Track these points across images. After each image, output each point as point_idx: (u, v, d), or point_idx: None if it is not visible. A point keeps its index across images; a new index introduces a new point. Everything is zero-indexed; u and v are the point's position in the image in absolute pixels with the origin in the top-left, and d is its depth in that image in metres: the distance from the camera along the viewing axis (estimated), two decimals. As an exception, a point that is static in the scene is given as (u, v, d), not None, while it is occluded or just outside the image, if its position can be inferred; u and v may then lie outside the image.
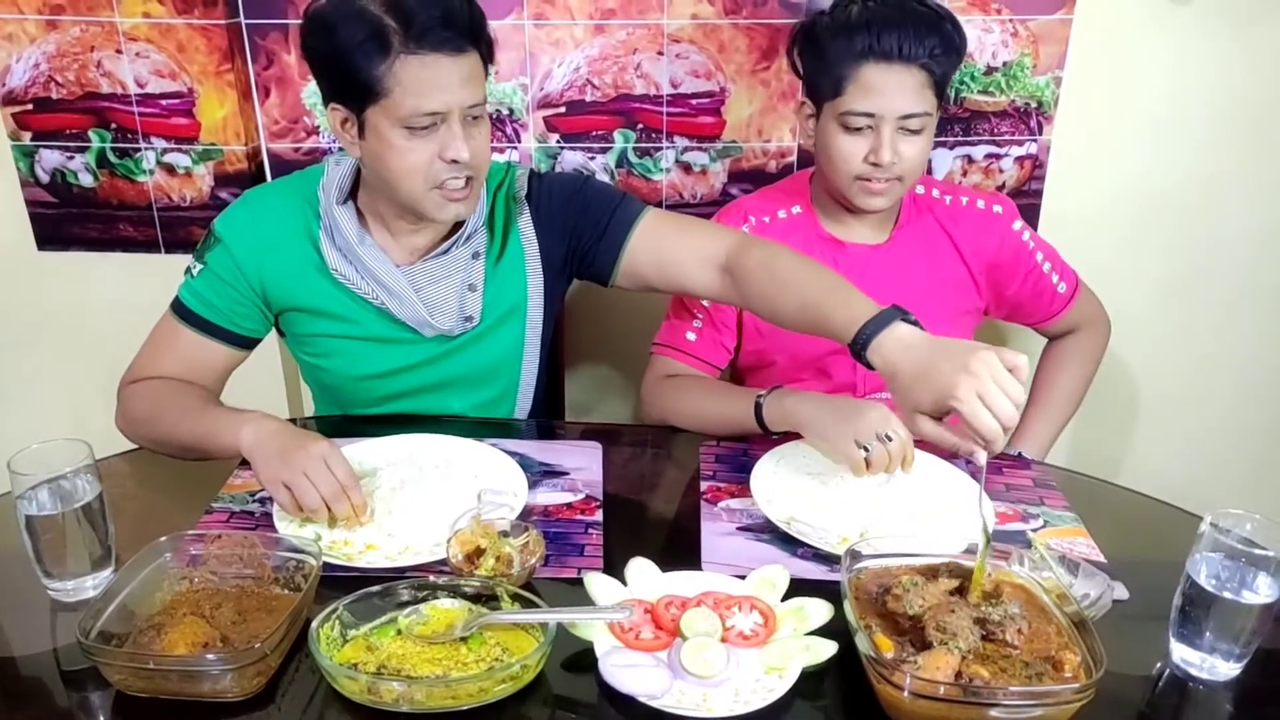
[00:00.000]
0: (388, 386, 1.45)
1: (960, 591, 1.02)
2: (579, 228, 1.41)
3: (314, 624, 0.95)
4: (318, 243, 1.35)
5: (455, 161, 1.24)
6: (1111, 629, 1.04)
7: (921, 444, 1.35)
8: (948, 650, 0.92)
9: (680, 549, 1.19)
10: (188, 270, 1.37)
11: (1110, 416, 2.03)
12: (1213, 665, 1.01)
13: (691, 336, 1.62)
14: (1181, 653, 1.03)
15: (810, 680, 0.97)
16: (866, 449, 1.22)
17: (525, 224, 1.42)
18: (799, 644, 1.00)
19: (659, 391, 1.60)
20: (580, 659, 0.99)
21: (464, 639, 0.98)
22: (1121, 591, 1.15)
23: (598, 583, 1.07)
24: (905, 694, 0.88)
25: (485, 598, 1.03)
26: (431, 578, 1.04)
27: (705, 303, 1.59)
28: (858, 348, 1.13)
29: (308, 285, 1.37)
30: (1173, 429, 2.06)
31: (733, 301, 1.37)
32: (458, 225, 1.38)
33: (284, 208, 1.37)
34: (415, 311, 1.37)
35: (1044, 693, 0.88)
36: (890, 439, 1.22)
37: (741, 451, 1.41)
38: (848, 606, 0.98)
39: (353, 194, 1.38)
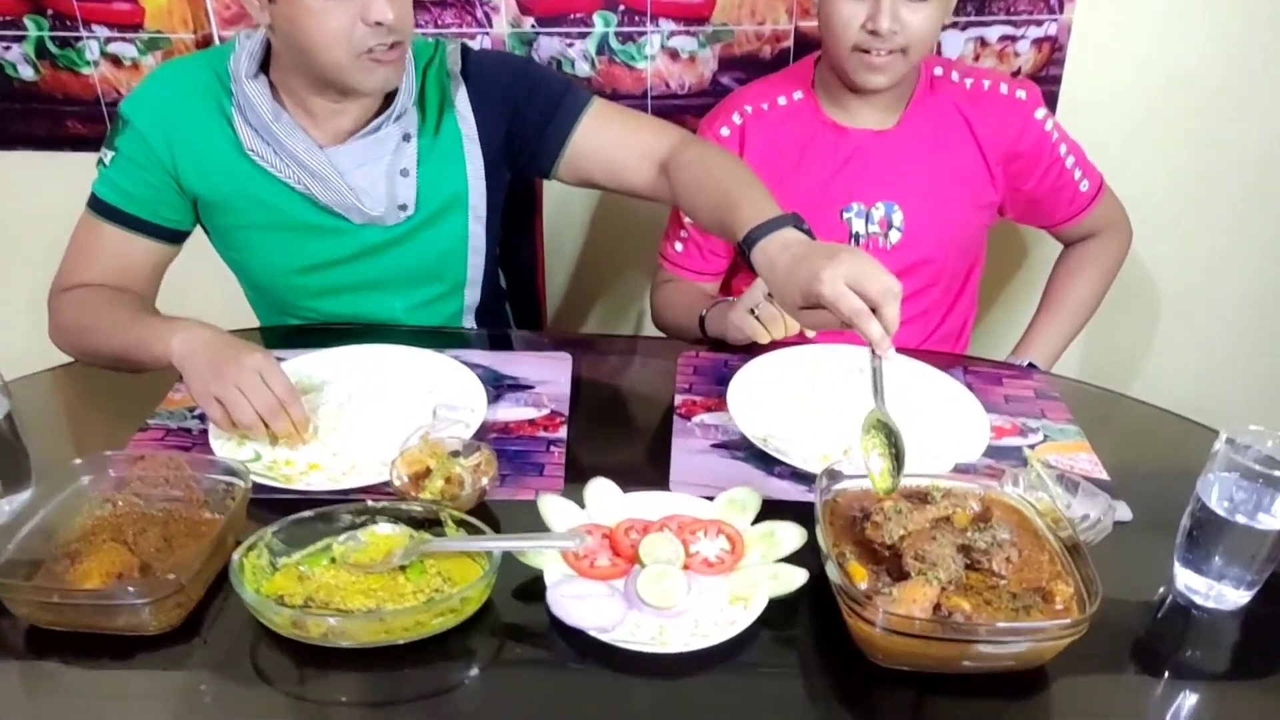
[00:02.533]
0: (320, 282, 1.34)
1: (949, 519, 0.93)
2: (523, 111, 1.29)
3: (237, 553, 0.87)
4: (232, 120, 1.23)
5: (379, 24, 1.12)
6: (1112, 552, 0.96)
7: (910, 354, 1.25)
8: (926, 581, 0.84)
9: (648, 469, 1.11)
10: (100, 162, 1.26)
11: (1122, 322, 1.91)
12: (1220, 593, 0.93)
13: (679, 247, 1.54)
14: (1186, 579, 0.95)
15: (778, 611, 0.89)
16: (754, 311, 1.24)
17: (462, 102, 1.30)
18: (767, 572, 0.92)
19: (655, 301, 1.54)
20: (531, 588, 0.92)
21: (403, 568, 0.91)
22: (1124, 512, 1.06)
23: (552, 506, 0.99)
24: (877, 629, 0.80)
25: (430, 523, 0.95)
26: (369, 501, 0.96)
27: None
28: (745, 249, 1.07)
29: (224, 168, 1.24)
30: (1186, 336, 1.94)
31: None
32: (386, 102, 1.26)
33: (194, 83, 1.24)
34: (341, 196, 1.25)
35: (1028, 629, 0.80)
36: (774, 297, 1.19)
37: (722, 362, 1.32)
38: (820, 531, 0.89)
39: (266, 70, 1.25)
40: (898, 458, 0.93)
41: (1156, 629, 0.94)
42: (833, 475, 0.98)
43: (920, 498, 0.96)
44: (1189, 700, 0.87)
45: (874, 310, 0.92)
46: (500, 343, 1.38)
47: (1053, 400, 1.27)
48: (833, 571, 0.85)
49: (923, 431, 1.14)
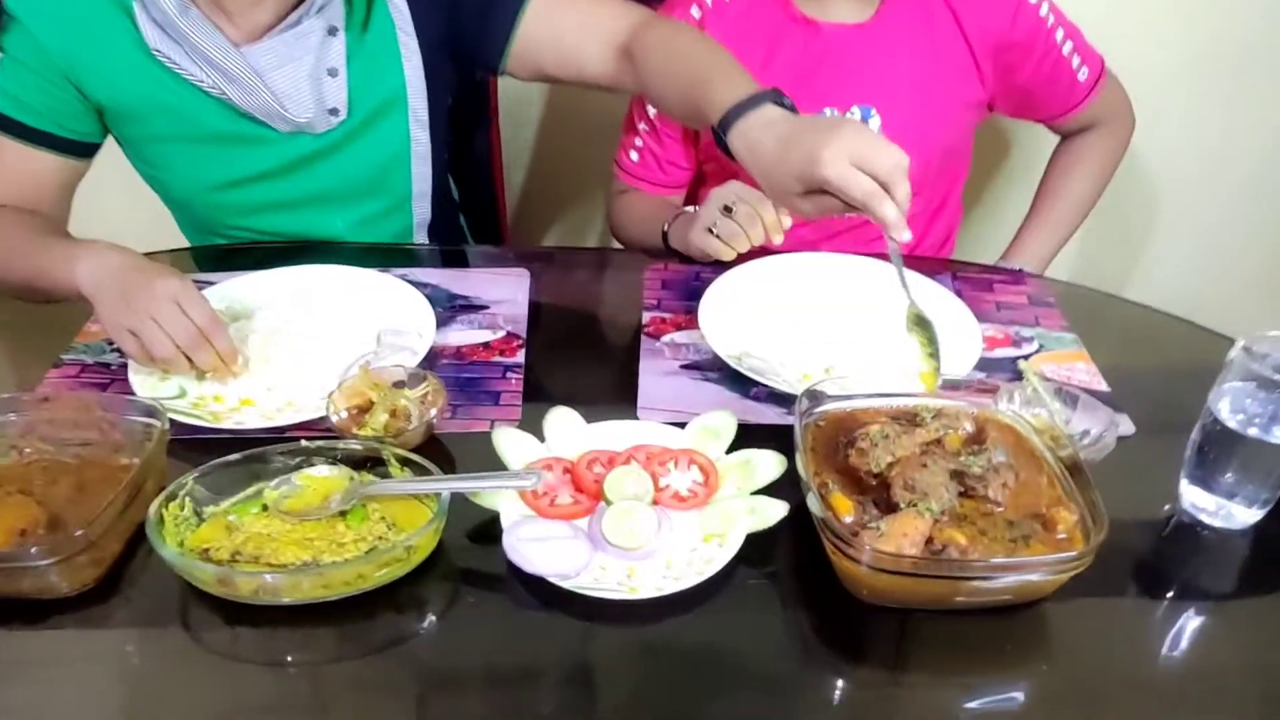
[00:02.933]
0: (248, 198, 1.22)
1: (940, 443, 0.86)
2: None
3: (154, 504, 0.78)
4: (134, 15, 1.08)
5: None
6: (1113, 468, 0.89)
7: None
8: (917, 513, 0.76)
9: (613, 395, 1.02)
10: None
11: (1114, 218, 1.81)
12: (1230, 512, 0.87)
13: (634, 157, 1.41)
14: (1194, 497, 0.88)
15: (756, 548, 0.82)
16: (712, 229, 1.14)
17: None
18: (743, 505, 0.84)
19: (611, 212, 1.43)
20: (488, 529, 0.83)
21: (343, 514, 0.83)
22: (1127, 426, 0.99)
23: (508, 440, 0.90)
24: (863, 567, 0.73)
25: (373, 463, 0.86)
26: (304, 441, 0.86)
27: (651, 113, 1.36)
28: (720, 133, 0.96)
29: (128, 71, 1.10)
30: (1183, 232, 1.85)
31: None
32: None
33: None
34: (262, 100, 1.12)
35: (1030, 564, 0.73)
36: (731, 209, 1.12)
37: (693, 275, 1.22)
38: (800, 460, 0.82)
39: None
40: (937, 354, 0.86)
41: (1161, 549, 0.88)
42: (814, 397, 0.89)
43: (909, 419, 0.88)
44: (1194, 622, 0.81)
45: (884, 189, 0.83)
46: (452, 259, 1.27)
47: (1047, 306, 1.19)
48: (814, 504, 0.77)
49: (908, 346, 1.06)
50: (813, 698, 0.74)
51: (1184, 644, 0.79)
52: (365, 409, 0.91)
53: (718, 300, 1.12)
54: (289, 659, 0.76)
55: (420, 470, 0.84)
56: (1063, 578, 0.74)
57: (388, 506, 0.83)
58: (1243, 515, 0.86)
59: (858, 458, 0.82)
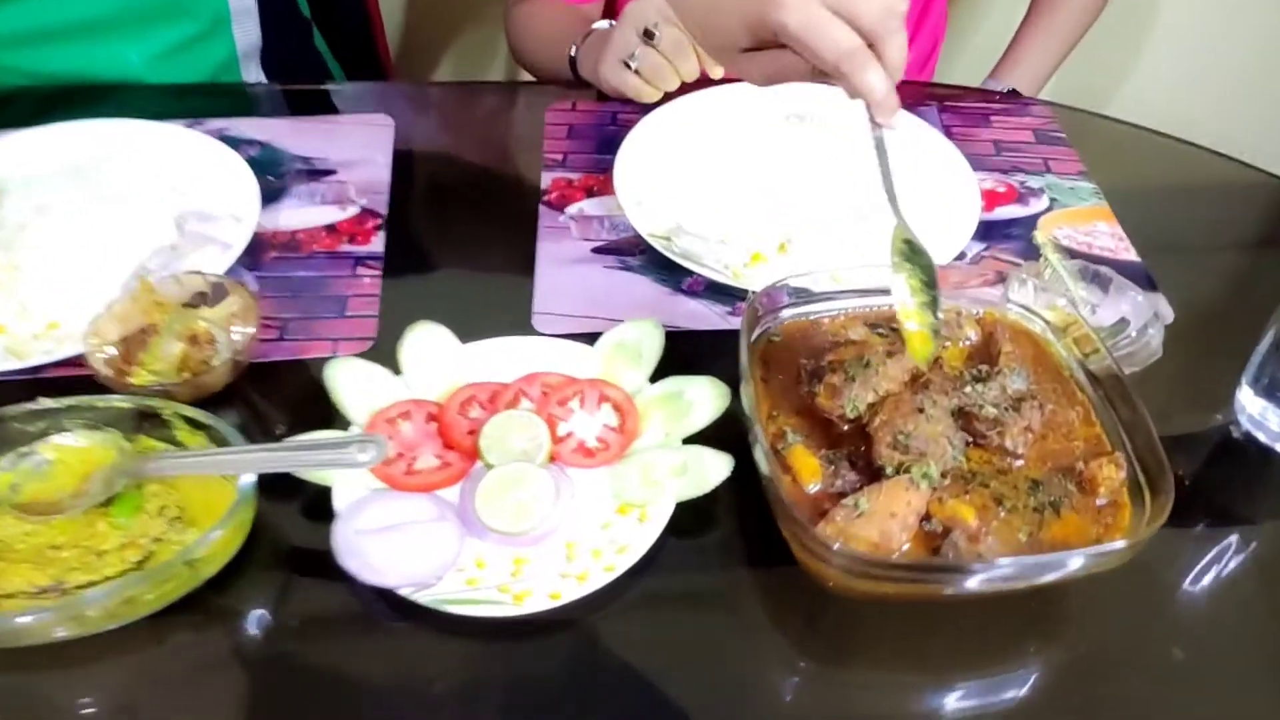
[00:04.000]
0: (2, 26, 0.91)
1: (937, 363, 0.63)
2: None
3: None
4: None
5: None
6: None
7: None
8: (910, 481, 0.55)
9: (501, 298, 0.77)
10: None
11: (1100, 27, 1.51)
12: (1307, 431, 0.67)
13: None
14: (1256, 408, 0.68)
15: (691, 518, 0.60)
16: (629, 63, 0.86)
17: None
18: (672, 461, 0.62)
19: (509, 25, 1.10)
20: (327, 504, 0.60)
21: (109, 502, 0.59)
22: (1165, 311, 0.77)
23: (348, 377, 0.65)
24: (832, 568, 0.52)
25: (156, 422, 0.62)
26: (46, 401, 0.61)
27: None
28: None
29: None
30: (1183, 38, 1.56)
31: None
32: None
33: None
34: None
35: (1065, 561, 0.51)
36: (653, 34, 0.84)
37: (607, 118, 0.94)
38: (747, 395, 0.59)
39: None
40: (934, 303, 0.59)
41: (1211, 476, 0.68)
42: (769, 300, 0.65)
43: (894, 332, 0.65)
44: (1256, 563, 0.63)
45: (870, 46, 0.56)
46: (290, 104, 0.97)
47: (1058, 143, 0.94)
48: (765, 466, 0.55)
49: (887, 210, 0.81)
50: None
51: (1239, 604, 0.61)
52: (140, 341, 0.66)
53: (638, 154, 0.85)
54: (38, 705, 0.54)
55: (217, 436, 0.59)
56: (1112, 564, 0.53)
57: (173, 489, 0.60)
58: (1323, 436, 0.67)
59: (826, 399, 0.59)
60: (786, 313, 0.67)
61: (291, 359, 0.70)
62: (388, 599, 0.56)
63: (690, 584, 0.59)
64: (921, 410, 0.57)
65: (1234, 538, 0.65)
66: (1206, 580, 0.63)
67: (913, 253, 0.58)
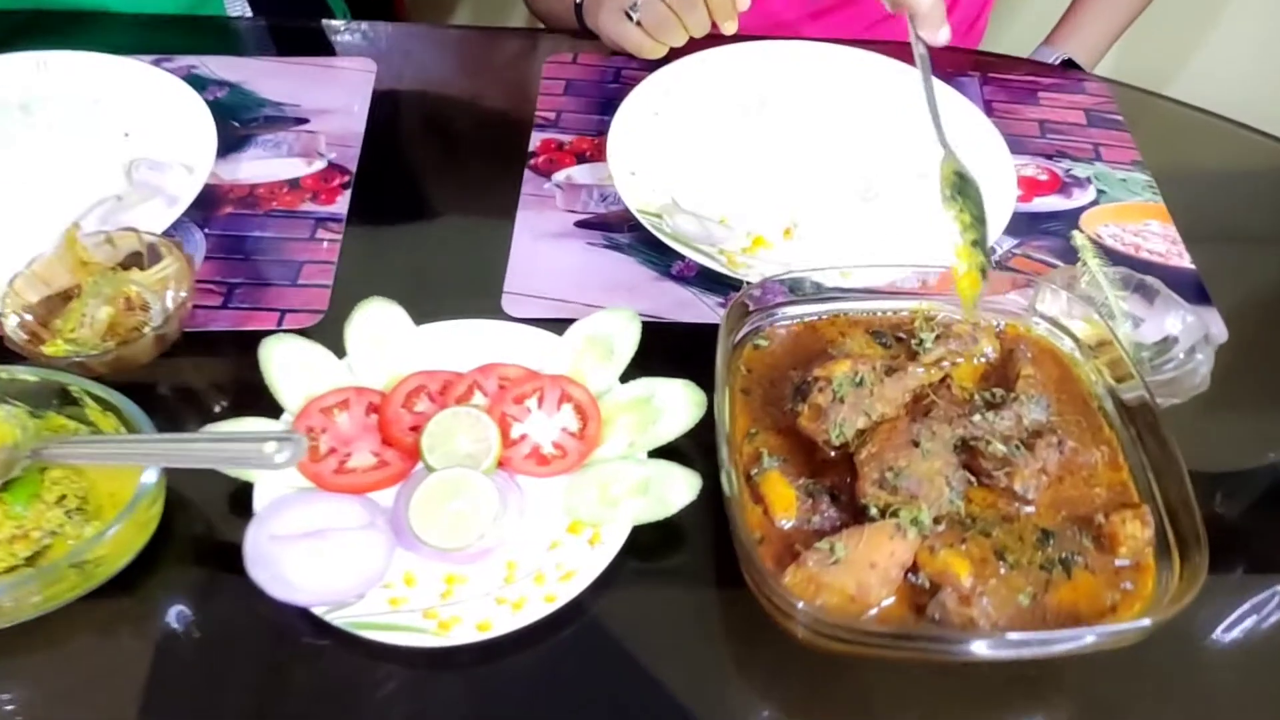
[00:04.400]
0: None
1: (945, 383, 0.55)
2: None
3: None
4: None
5: None
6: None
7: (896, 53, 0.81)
8: (896, 527, 0.47)
9: (470, 272, 0.70)
10: None
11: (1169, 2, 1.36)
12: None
13: None
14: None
15: (651, 542, 0.54)
16: (631, 14, 0.78)
17: None
18: (634, 475, 0.55)
19: None
20: (247, 500, 0.55)
21: (5, 487, 0.53)
22: (1219, 329, 0.68)
23: (285, 357, 0.59)
24: (799, 630, 0.45)
25: (65, 400, 0.56)
26: (-55, 370, 0.55)
27: None
28: None
29: None
30: (1259, 22, 1.41)
31: None
32: None
33: None
34: None
35: (1072, 639, 0.44)
36: None
37: (610, 74, 0.85)
38: (721, 405, 0.51)
39: None
40: (983, 241, 0.53)
41: (1254, 518, 0.60)
42: (762, 295, 0.58)
43: (900, 337, 0.57)
44: None
45: None
46: (271, 41, 0.89)
47: (1113, 127, 0.84)
48: (731, 494, 0.48)
49: (905, 200, 0.72)
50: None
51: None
52: (61, 307, 0.60)
53: (637, 118, 0.77)
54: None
55: (126, 421, 0.53)
56: (1126, 642, 0.46)
57: (78, 476, 0.54)
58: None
59: (810, 420, 0.52)
60: (782, 312, 0.59)
61: (233, 330, 0.64)
62: (306, 614, 0.50)
63: (642, 620, 0.52)
64: (917, 444, 0.49)
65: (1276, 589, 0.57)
66: (1242, 636, 0.55)
67: (963, 183, 0.51)
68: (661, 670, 0.50)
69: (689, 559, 0.54)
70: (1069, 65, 0.98)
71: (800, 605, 0.43)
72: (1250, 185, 0.83)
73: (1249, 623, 0.56)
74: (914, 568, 0.47)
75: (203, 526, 0.55)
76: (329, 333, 0.61)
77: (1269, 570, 0.58)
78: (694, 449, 0.56)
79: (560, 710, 0.49)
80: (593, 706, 0.49)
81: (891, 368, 0.54)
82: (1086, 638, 0.44)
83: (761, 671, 0.51)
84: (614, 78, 0.85)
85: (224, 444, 0.52)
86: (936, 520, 0.48)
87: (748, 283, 0.59)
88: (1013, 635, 0.44)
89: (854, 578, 0.46)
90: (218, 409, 0.60)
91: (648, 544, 0.54)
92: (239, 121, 0.78)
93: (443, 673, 0.50)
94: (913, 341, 0.56)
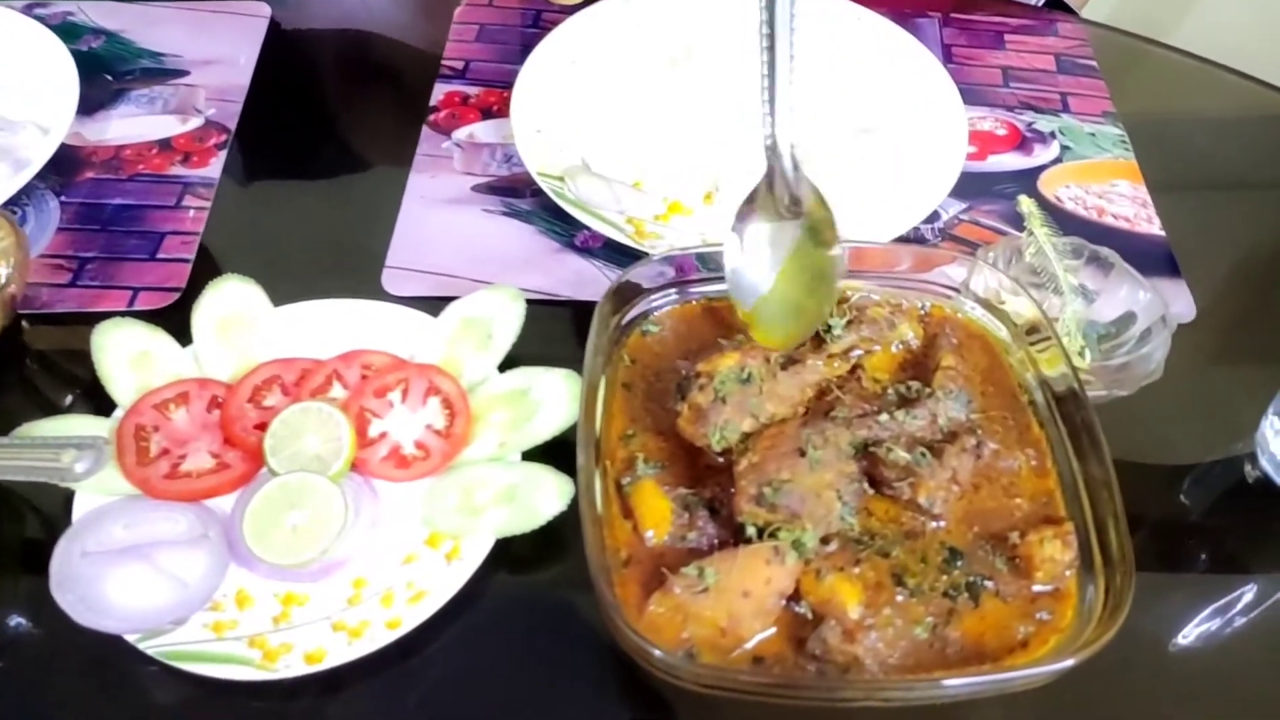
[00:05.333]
0: None
1: (855, 374, 0.48)
2: None
3: None
4: None
5: None
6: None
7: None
8: (774, 551, 0.41)
9: (351, 243, 0.63)
10: None
11: None
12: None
13: None
14: (1280, 449, 0.53)
15: (519, 555, 0.48)
16: None
17: None
18: (501, 480, 0.49)
19: None
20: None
21: None
22: (1185, 305, 0.61)
23: (121, 344, 0.53)
24: (656, 668, 0.39)
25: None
26: None
27: None
28: None
29: None
30: None
31: None
32: None
33: None
34: None
35: (970, 686, 0.38)
36: None
37: (530, 18, 0.77)
38: (586, 406, 0.45)
39: None
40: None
41: (1222, 524, 0.54)
42: (651, 273, 0.51)
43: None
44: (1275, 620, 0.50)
45: None
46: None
47: (1085, 74, 0.75)
48: (586, 507, 0.41)
49: (841, 162, 0.65)
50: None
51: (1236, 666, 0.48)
52: None
53: (549, 68, 0.69)
54: None
55: (-73, 420, 0.48)
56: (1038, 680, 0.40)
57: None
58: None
59: (690, 422, 0.45)
60: (678, 292, 0.52)
61: (79, 311, 0.58)
62: (122, 641, 0.45)
63: (500, 650, 0.47)
64: (804, 453, 0.42)
65: (1239, 591, 0.51)
66: (1201, 639, 0.49)
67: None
68: (520, 709, 0.45)
69: (561, 576, 0.48)
70: (1056, 5, 0.89)
71: (657, 654, 0.37)
72: (1243, 142, 0.74)
73: (1213, 626, 0.50)
74: (797, 595, 0.41)
75: (24, 536, 0.50)
76: (183, 316, 0.55)
77: (1233, 571, 0.52)
78: (573, 450, 0.50)
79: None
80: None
81: (790, 360, 0.47)
82: (985, 684, 0.37)
83: (640, 709, 0.46)
84: (533, 21, 0.77)
85: (18, 451, 0.46)
86: (826, 540, 0.42)
87: (654, 254, 0.52)
88: (894, 685, 0.38)
89: (725, 608, 0.40)
90: (50, 403, 0.54)
91: (516, 559, 0.48)
92: (112, 75, 0.71)
93: (271, 706, 0.44)
94: (820, 328, 0.49)
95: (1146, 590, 0.49)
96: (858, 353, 0.49)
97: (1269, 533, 0.54)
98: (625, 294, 0.50)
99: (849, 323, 0.49)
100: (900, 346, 0.50)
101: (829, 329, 0.49)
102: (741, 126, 0.67)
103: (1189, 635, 0.50)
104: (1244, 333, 0.61)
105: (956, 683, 0.37)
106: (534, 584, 0.49)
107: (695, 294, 0.52)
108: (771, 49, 0.41)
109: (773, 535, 0.41)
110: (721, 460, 0.45)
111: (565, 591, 0.48)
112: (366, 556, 0.48)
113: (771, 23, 0.41)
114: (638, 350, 0.50)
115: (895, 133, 0.66)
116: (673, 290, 0.52)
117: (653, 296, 0.51)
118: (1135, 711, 0.46)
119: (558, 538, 0.48)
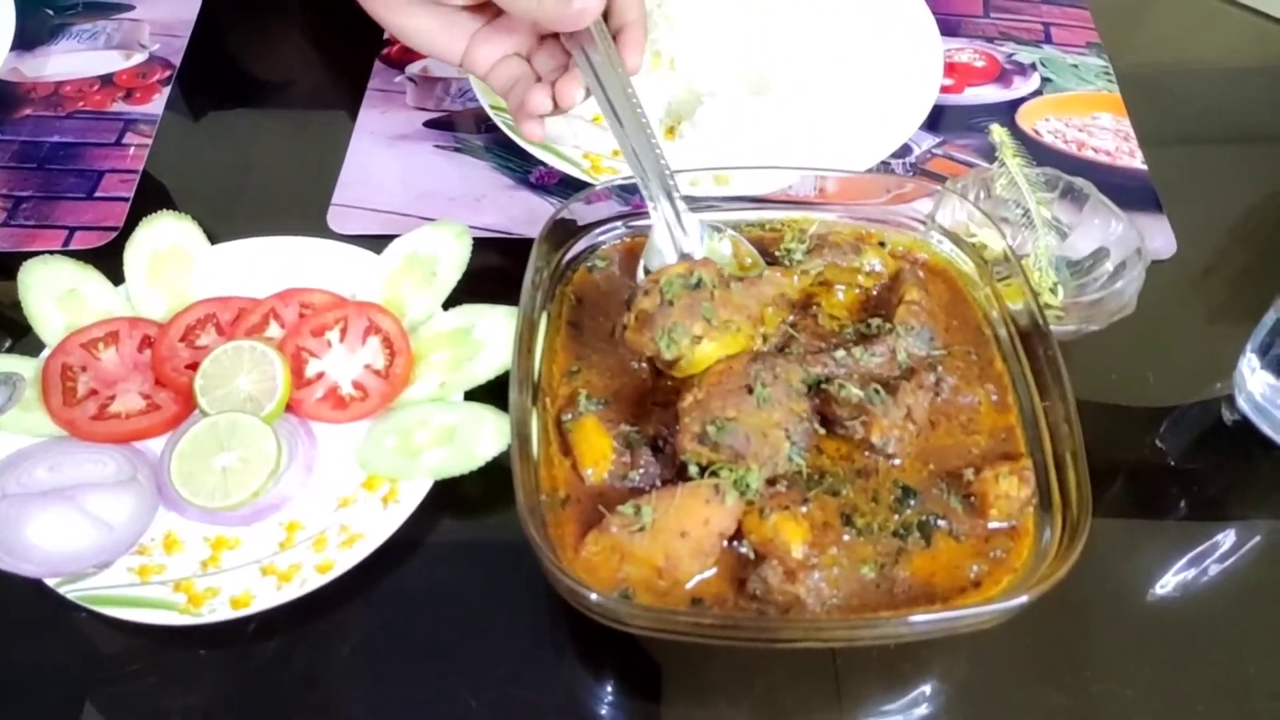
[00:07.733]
0: None
1: (816, 300, 0.46)
2: None
3: None
4: None
5: None
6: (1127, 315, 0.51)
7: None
8: (714, 490, 0.39)
9: (297, 181, 0.60)
10: None
11: None
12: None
13: None
14: (1260, 385, 0.51)
15: (457, 499, 0.46)
16: None
17: None
18: (441, 421, 0.47)
19: None
20: None
21: None
22: (1166, 241, 0.58)
23: (48, 282, 0.51)
24: (591, 608, 0.37)
25: None
26: None
27: None
28: None
29: None
30: None
31: None
32: None
33: None
34: None
35: (917, 625, 0.36)
36: None
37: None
38: (520, 341, 0.43)
39: None
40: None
41: (1201, 465, 0.52)
42: (595, 202, 0.48)
43: (761, 250, 0.48)
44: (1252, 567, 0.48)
45: None
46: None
47: (1070, 4, 0.72)
48: (516, 444, 0.39)
49: (804, 94, 0.62)
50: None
51: (1211, 611, 0.46)
52: None
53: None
54: None
55: None
56: (990, 625, 0.38)
57: None
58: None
59: (636, 331, 0.42)
60: (626, 225, 0.49)
61: (12, 251, 0.56)
62: (40, 585, 0.43)
63: (439, 593, 0.45)
64: (752, 390, 0.40)
65: (1215, 538, 0.49)
66: (1178, 586, 0.47)
67: None
68: (455, 654, 0.43)
69: (506, 519, 0.46)
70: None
71: (592, 597, 0.35)
72: (1236, 77, 0.71)
73: (1189, 574, 0.48)
74: (739, 534, 0.39)
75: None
76: (119, 256, 0.53)
77: (1209, 518, 0.50)
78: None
79: (332, 698, 0.42)
80: (363, 695, 0.42)
81: (747, 273, 0.44)
82: (930, 623, 0.35)
83: (580, 653, 0.44)
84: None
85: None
86: (774, 481, 0.40)
87: (608, 188, 0.49)
88: (835, 624, 0.36)
89: (661, 548, 0.38)
90: (-21, 344, 0.52)
91: (460, 501, 0.46)
92: (53, 9, 0.68)
93: (196, 653, 0.43)
94: (778, 253, 0.47)
95: (1120, 536, 0.48)
96: (815, 280, 0.47)
97: (1246, 476, 0.52)
98: (567, 227, 0.48)
99: (810, 250, 0.47)
100: (868, 274, 0.48)
101: (789, 253, 0.47)
102: (703, 60, 0.64)
103: (1166, 583, 0.48)
104: (1226, 270, 0.58)
105: (901, 622, 0.35)
106: (477, 528, 0.47)
107: (644, 226, 0.50)
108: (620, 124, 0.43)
109: (714, 475, 0.39)
110: (671, 384, 0.43)
111: (509, 535, 0.46)
112: (301, 500, 0.46)
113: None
114: (584, 286, 0.48)
115: (866, 61, 0.63)
116: (618, 224, 0.49)
117: (598, 231, 0.49)
118: (1106, 659, 0.44)
119: (504, 479, 0.46)
